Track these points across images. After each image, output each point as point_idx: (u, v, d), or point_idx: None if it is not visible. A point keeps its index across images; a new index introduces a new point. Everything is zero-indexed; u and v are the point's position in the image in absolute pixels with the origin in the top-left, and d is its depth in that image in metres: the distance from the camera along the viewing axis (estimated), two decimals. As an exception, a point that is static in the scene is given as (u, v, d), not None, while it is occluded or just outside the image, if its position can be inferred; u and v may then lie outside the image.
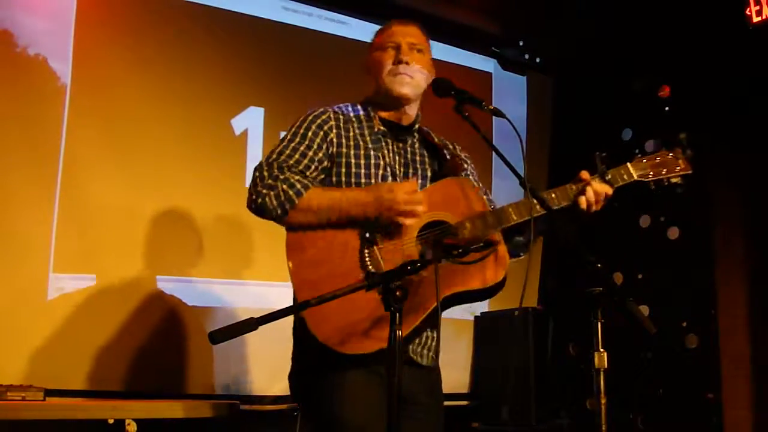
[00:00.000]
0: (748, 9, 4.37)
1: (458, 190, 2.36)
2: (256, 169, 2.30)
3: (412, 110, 2.51)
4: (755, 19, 4.35)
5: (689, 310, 4.45)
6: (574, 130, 5.25)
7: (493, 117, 2.29)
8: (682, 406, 4.38)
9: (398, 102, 2.46)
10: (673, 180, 2.41)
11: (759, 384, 4.32)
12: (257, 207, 2.25)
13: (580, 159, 2.52)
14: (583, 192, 2.32)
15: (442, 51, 5.00)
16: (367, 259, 2.22)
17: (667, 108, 4.78)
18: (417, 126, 2.54)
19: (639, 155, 2.42)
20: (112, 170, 3.78)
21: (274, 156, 2.31)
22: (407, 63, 2.42)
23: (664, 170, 2.40)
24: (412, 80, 2.43)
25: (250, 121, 4.22)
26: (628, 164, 2.41)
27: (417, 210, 2.23)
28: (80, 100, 3.75)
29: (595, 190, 2.31)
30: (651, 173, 2.39)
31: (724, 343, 4.34)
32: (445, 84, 2.37)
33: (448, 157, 2.50)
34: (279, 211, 2.22)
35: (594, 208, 2.33)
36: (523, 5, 5.16)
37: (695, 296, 4.44)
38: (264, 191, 2.23)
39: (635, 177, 2.39)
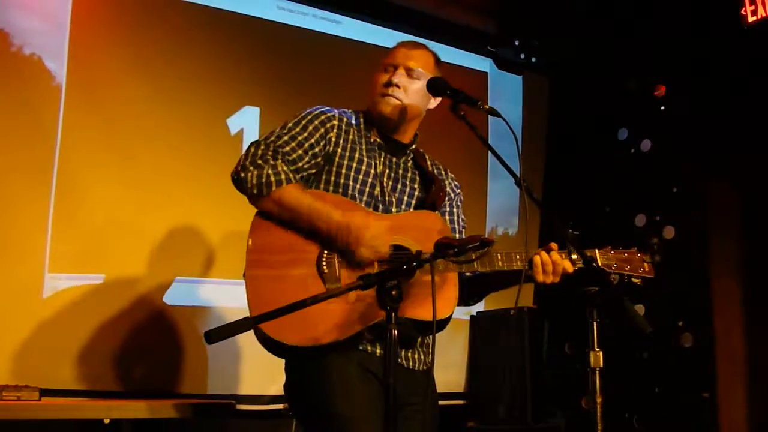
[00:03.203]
0: (743, 9, 4.38)
1: (432, 224, 2.38)
2: (252, 144, 2.33)
3: (406, 130, 2.51)
4: (750, 19, 4.36)
5: (685, 309, 4.46)
6: (569, 130, 5.26)
7: (489, 116, 2.30)
8: (678, 405, 4.38)
9: (380, 122, 2.47)
10: (634, 280, 2.42)
11: (754, 383, 4.33)
12: (238, 179, 2.28)
13: (576, 159, 2.54)
14: (537, 254, 2.30)
15: (438, 50, 4.95)
16: (324, 261, 2.25)
17: (662, 107, 4.79)
18: (413, 147, 2.55)
19: (609, 246, 2.43)
20: (108, 170, 3.78)
21: (273, 138, 2.33)
22: (396, 86, 2.43)
23: (628, 267, 2.41)
24: (396, 102, 2.43)
25: (246, 121, 4.22)
26: (597, 251, 2.40)
27: (381, 252, 2.23)
28: (75, 99, 3.74)
29: (554, 261, 2.29)
30: (615, 266, 2.40)
31: (720, 342, 4.35)
32: (441, 83, 2.39)
33: (433, 186, 2.50)
34: (255, 191, 2.25)
35: (550, 278, 2.30)
36: (519, 5, 5.17)
37: (691, 295, 4.45)
38: (251, 168, 2.26)
39: (599, 264, 2.38)
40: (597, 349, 2.36)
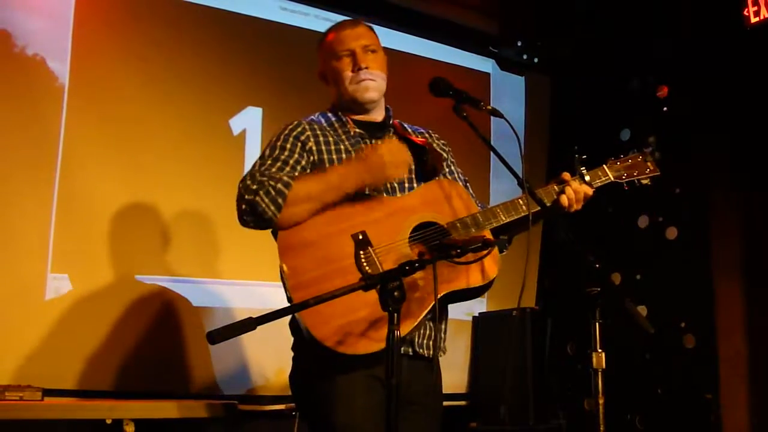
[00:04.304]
0: (746, 9, 4.37)
1: (447, 191, 2.40)
2: (240, 182, 2.28)
3: (380, 108, 2.54)
4: (753, 20, 4.35)
5: (687, 310, 4.46)
6: (572, 131, 5.26)
7: (492, 117, 2.30)
8: (681, 406, 4.38)
9: (366, 107, 2.48)
10: (644, 181, 2.55)
11: (756, 384, 4.32)
12: (250, 211, 2.22)
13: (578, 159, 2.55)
14: (563, 191, 2.40)
15: (440, 51, 5.01)
16: (363, 260, 2.21)
17: (665, 108, 4.79)
18: (390, 121, 2.55)
19: (613, 158, 2.56)
20: (110, 170, 3.78)
21: (255, 167, 2.31)
22: (366, 67, 2.45)
23: (636, 172, 2.54)
24: (375, 83, 2.46)
25: (249, 121, 4.22)
26: (605, 166, 2.53)
27: (408, 161, 2.29)
28: (78, 100, 3.75)
29: (575, 190, 2.40)
30: (625, 174, 2.53)
31: (722, 343, 4.34)
32: (443, 84, 2.38)
33: (426, 153, 2.49)
34: (272, 207, 2.19)
35: (574, 207, 2.41)
36: (521, 5, 5.17)
37: (693, 296, 4.45)
38: (251, 196, 2.20)
39: (611, 178, 2.52)
40: (599, 350, 2.36)
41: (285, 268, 2.20)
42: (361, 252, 2.22)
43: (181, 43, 4.08)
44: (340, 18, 4.49)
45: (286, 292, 2.22)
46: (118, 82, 3.86)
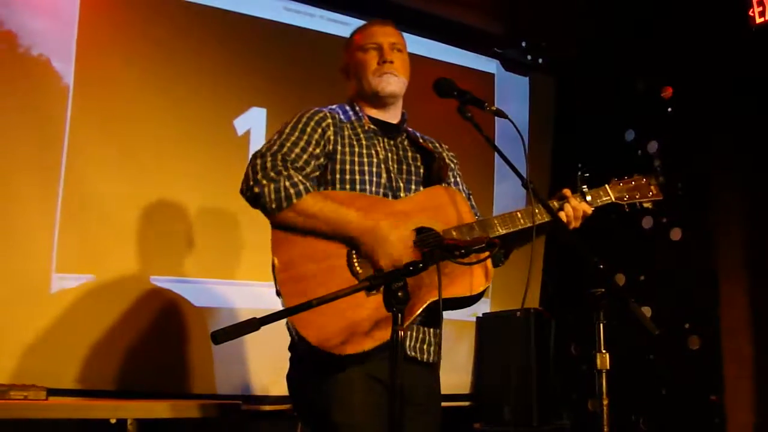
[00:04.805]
0: (751, 10, 4.36)
1: (447, 199, 2.40)
2: (256, 156, 2.30)
3: (398, 108, 2.55)
4: (758, 20, 4.34)
5: (692, 312, 4.45)
6: (576, 131, 5.25)
7: (496, 118, 2.31)
8: (685, 407, 4.37)
9: (386, 101, 2.50)
10: (645, 204, 2.53)
11: (761, 386, 4.31)
12: (253, 195, 2.25)
13: (583, 160, 2.56)
14: (562, 208, 2.39)
15: (445, 51, 5.01)
16: (355, 261, 2.23)
17: (669, 109, 4.78)
18: (405, 125, 2.56)
19: (617, 178, 2.54)
20: (115, 170, 3.79)
21: (276, 147, 2.31)
22: (391, 62, 2.47)
23: (638, 195, 2.52)
24: (397, 79, 2.48)
25: (253, 122, 4.23)
26: (607, 186, 2.52)
27: (400, 263, 2.19)
28: (83, 100, 3.75)
29: (574, 207, 2.40)
30: (626, 196, 2.52)
31: (727, 344, 4.33)
32: (448, 84, 2.38)
33: (434, 161, 2.51)
34: (274, 205, 2.22)
35: (573, 225, 2.40)
36: (525, 6, 5.16)
37: (697, 297, 4.44)
38: (264, 181, 2.23)
39: (612, 199, 2.51)
40: (603, 351, 2.36)
41: (276, 261, 2.22)
42: (354, 253, 2.23)
43: (186, 44, 4.09)
44: (344, 19, 4.58)
45: (275, 285, 2.23)
46: (123, 82, 3.86)
